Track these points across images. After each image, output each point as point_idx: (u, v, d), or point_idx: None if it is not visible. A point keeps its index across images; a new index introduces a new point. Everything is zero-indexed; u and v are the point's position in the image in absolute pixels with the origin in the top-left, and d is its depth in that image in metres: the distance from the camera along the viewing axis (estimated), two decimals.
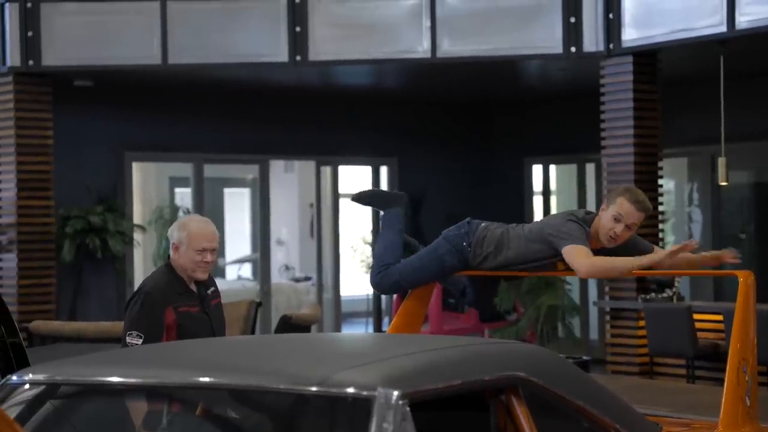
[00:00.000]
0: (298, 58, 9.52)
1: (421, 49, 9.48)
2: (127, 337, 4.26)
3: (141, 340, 4.21)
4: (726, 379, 3.57)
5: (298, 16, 9.49)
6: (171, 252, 4.43)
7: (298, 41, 9.49)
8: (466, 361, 2.95)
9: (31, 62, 9.50)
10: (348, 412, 2.53)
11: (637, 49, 9.10)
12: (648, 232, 9.38)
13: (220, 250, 17.17)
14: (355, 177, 14.18)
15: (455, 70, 10.31)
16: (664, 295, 9.05)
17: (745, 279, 3.78)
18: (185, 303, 4.35)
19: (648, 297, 9.09)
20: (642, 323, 9.10)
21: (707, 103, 9.83)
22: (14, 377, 2.86)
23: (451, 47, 9.45)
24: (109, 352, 3.43)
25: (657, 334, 8.80)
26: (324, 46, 9.55)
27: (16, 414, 2.76)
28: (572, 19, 9.17)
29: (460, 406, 3.00)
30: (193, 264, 4.37)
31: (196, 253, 4.36)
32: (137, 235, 11.43)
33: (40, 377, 2.86)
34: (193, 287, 4.43)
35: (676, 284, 9.05)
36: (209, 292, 4.48)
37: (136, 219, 11.98)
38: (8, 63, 9.53)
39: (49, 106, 9.74)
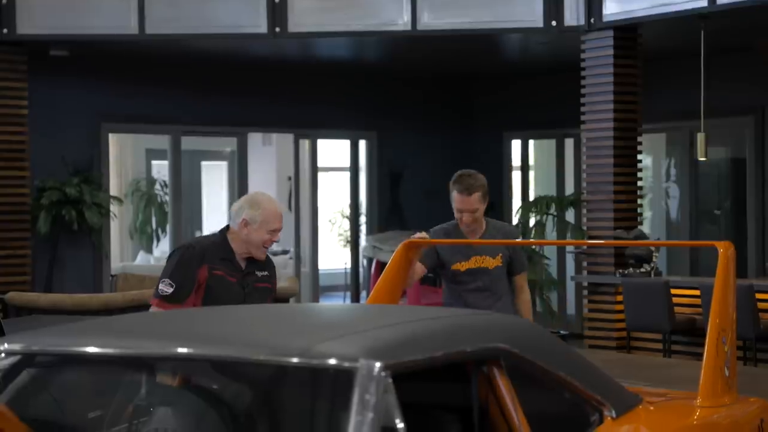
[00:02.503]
0: (278, 29, 9.44)
1: (402, 21, 9.42)
2: (160, 284, 4.35)
3: (172, 289, 4.31)
4: (705, 350, 3.58)
5: None
6: (235, 226, 4.43)
7: (278, 12, 9.41)
8: (447, 333, 2.93)
9: (5, 30, 9.37)
10: (329, 384, 2.51)
11: (618, 24, 9.08)
12: (626, 207, 9.41)
13: (197, 224, 17.12)
14: (333, 151, 14.13)
15: (435, 43, 10.26)
16: (642, 270, 9.08)
17: (725, 250, 3.78)
18: (223, 269, 4.39)
19: (626, 272, 9.12)
20: (620, 298, 9.13)
21: (687, 78, 9.84)
22: None
23: (431, 20, 9.39)
24: (86, 323, 3.40)
25: (634, 309, 8.83)
26: (304, 18, 9.47)
27: None
28: None
29: (441, 377, 2.98)
30: (261, 243, 4.43)
31: (268, 233, 4.43)
32: (114, 207, 11.35)
33: (15, 347, 2.82)
34: (242, 263, 4.45)
35: (654, 259, 9.08)
36: (259, 274, 4.50)
37: (113, 191, 11.89)
38: None
39: (24, 75, 9.62)
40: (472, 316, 3.39)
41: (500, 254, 5.18)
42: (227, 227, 4.48)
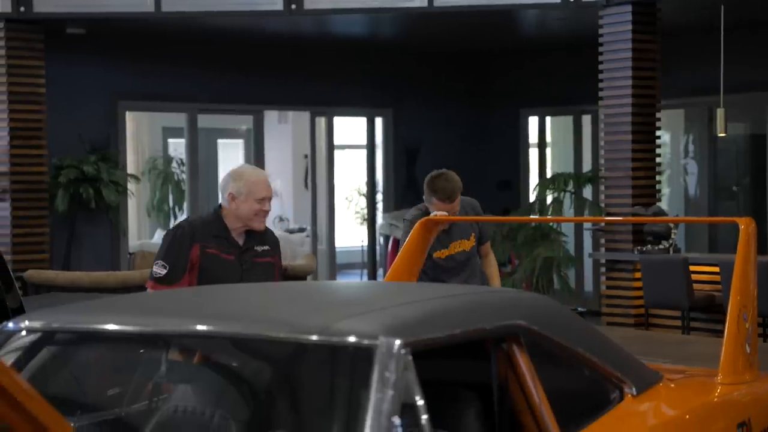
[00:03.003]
0: (293, 6, 9.41)
1: None
2: (154, 266, 4.34)
3: (165, 271, 4.29)
4: (726, 327, 3.55)
5: None
6: (225, 202, 4.41)
7: None
8: (467, 310, 2.92)
9: (22, 9, 9.37)
10: (349, 361, 2.50)
11: None
12: (645, 183, 9.36)
13: (214, 200, 17.26)
14: (350, 128, 14.10)
15: (452, 20, 10.20)
16: (661, 246, 9.04)
17: (746, 226, 3.75)
18: (217, 247, 4.35)
19: (644, 249, 9.08)
20: (638, 275, 9.09)
21: (706, 53, 9.76)
22: (10, 324, 2.83)
23: None
24: (106, 300, 3.40)
25: (653, 286, 8.80)
26: None
27: (12, 361, 2.73)
28: None
29: (460, 354, 2.97)
30: (252, 213, 4.38)
31: (256, 202, 4.38)
32: (131, 185, 11.37)
33: (36, 324, 2.83)
34: (240, 240, 4.40)
35: (672, 236, 9.04)
36: (259, 249, 4.44)
37: (130, 169, 11.92)
38: None
39: (41, 53, 9.63)
40: (491, 293, 3.38)
41: (472, 233, 5.43)
42: (220, 205, 4.45)
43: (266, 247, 4.49)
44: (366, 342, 2.47)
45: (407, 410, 2.39)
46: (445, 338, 2.68)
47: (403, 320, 2.64)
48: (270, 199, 4.45)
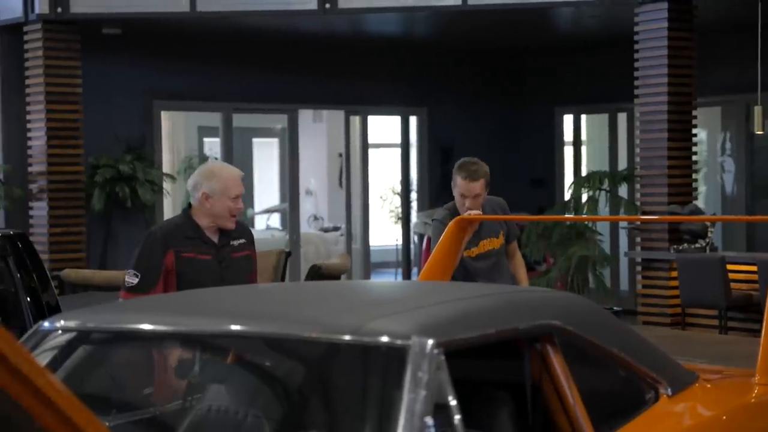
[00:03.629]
0: (328, 5, 9.42)
1: None
2: (126, 276, 4.27)
3: (137, 279, 4.21)
4: (764, 326, 3.51)
5: None
6: (196, 201, 4.34)
7: None
8: (500, 310, 2.91)
9: (59, 9, 9.46)
10: (382, 361, 2.50)
11: None
12: (681, 181, 9.29)
13: (249, 200, 17.27)
14: (384, 127, 14.10)
15: (486, 18, 10.17)
16: (697, 245, 8.96)
17: None
18: (193, 249, 4.28)
19: (680, 248, 9.01)
20: (674, 274, 9.02)
21: (743, 50, 9.66)
22: (46, 323, 2.85)
23: None
24: (140, 300, 3.42)
25: (689, 285, 8.73)
26: None
27: (48, 360, 2.75)
28: None
29: (494, 354, 2.96)
30: (227, 212, 4.31)
31: (230, 200, 4.32)
32: (166, 184, 11.44)
33: (71, 324, 2.85)
34: (214, 237, 4.34)
35: (709, 234, 8.95)
36: (235, 243, 4.38)
37: (165, 168, 11.98)
38: (37, 10, 9.50)
39: (77, 54, 9.71)
40: (525, 293, 3.36)
41: (501, 232, 5.42)
42: (189, 205, 4.38)
43: (242, 240, 4.41)
44: (399, 342, 2.46)
45: (440, 410, 2.38)
46: (478, 338, 2.67)
47: (436, 320, 2.63)
48: (241, 195, 4.37)
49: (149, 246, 4.27)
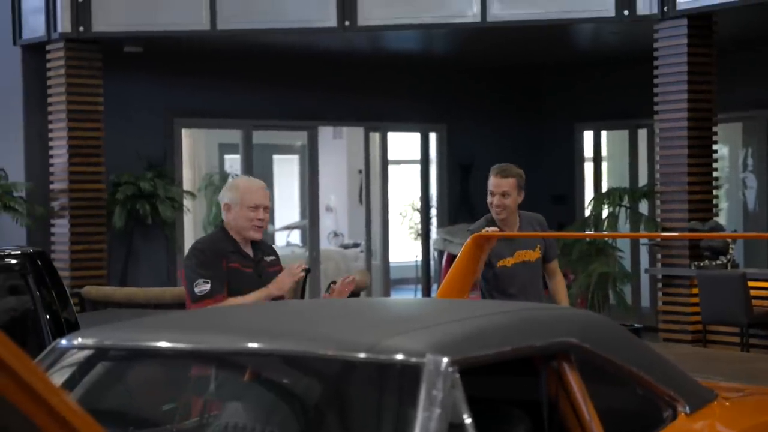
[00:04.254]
0: (347, 23, 9.46)
1: (471, 13, 9.36)
2: (195, 288, 4.23)
3: (209, 285, 4.20)
4: None
5: None
6: (224, 215, 4.42)
7: (347, 6, 9.42)
8: (516, 327, 2.91)
9: (81, 28, 9.54)
10: (397, 379, 2.50)
11: (692, 12, 8.91)
12: (701, 198, 9.25)
13: (269, 217, 17.27)
14: (404, 143, 14.12)
15: (505, 35, 10.18)
16: (718, 262, 8.91)
17: None
18: (237, 261, 4.34)
19: (701, 264, 8.96)
20: (695, 290, 8.97)
21: (763, 66, 9.63)
22: (63, 341, 2.87)
23: (501, 11, 9.32)
24: (157, 317, 3.43)
25: (710, 302, 8.68)
26: (373, 11, 9.48)
27: (65, 377, 2.76)
28: None
29: (510, 372, 2.96)
30: (247, 222, 4.36)
31: (250, 210, 4.36)
32: (187, 202, 11.48)
33: (89, 341, 2.87)
34: (249, 251, 4.40)
35: (730, 251, 8.90)
36: (268, 259, 4.45)
37: (186, 185, 12.03)
38: (59, 29, 9.58)
39: (99, 72, 9.78)
40: (541, 310, 3.35)
41: (538, 245, 5.35)
42: (222, 221, 4.45)
43: (273, 257, 4.49)
44: (413, 360, 2.46)
45: (455, 429, 2.38)
46: (494, 356, 2.67)
47: (451, 338, 2.63)
48: (265, 208, 4.39)
49: (204, 256, 4.30)
